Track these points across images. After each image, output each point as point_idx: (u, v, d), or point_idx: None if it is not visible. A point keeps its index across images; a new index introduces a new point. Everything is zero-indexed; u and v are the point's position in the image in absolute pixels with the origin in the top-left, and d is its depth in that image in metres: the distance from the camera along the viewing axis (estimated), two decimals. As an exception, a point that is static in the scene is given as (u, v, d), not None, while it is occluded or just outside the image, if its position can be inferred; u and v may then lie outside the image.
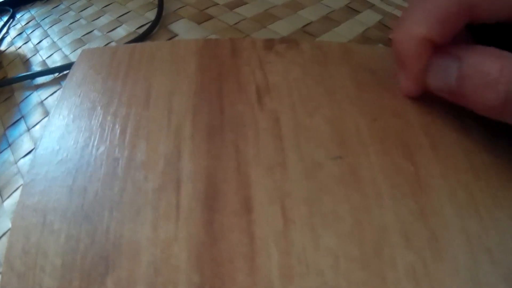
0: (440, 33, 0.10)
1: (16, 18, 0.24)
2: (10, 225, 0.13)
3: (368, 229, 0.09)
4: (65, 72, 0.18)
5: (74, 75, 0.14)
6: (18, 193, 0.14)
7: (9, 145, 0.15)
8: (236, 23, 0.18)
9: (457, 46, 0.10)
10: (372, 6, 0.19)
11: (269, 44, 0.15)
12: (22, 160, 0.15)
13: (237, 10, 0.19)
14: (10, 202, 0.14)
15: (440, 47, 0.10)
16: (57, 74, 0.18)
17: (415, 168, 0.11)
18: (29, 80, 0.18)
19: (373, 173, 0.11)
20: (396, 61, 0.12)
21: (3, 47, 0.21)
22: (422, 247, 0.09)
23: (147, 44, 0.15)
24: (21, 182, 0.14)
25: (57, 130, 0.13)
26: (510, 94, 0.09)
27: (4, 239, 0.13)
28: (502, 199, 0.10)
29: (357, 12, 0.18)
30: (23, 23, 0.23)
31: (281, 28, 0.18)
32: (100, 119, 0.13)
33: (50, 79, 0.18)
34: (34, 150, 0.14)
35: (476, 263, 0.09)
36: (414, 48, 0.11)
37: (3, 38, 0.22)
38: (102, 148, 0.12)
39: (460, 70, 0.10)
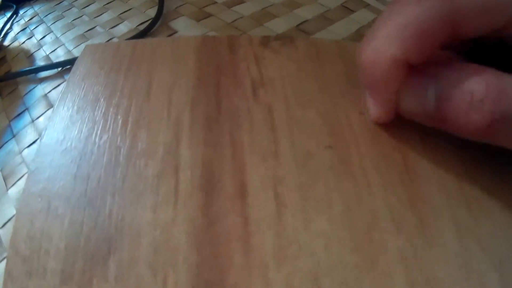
0: (417, 53, 0.09)
1: (19, 14, 0.25)
2: (14, 212, 0.13)
3: (358, 215, 0.10)
4: (68, 67, 0.18)
5: (78, 69, 0.15)
6: (22, 181, 0.14)
7: (14, 136, 0.16)
8: (233, 21, 0.19)
9: (433, 64, 0.09)
10: (367, 5, 0.19)
11: (265, 41, 0.15)
12: (26, 150, 0.15)
13: (235, 8, 0.20)
14: (15, 190, 0.14)
15: (415, 66, 0.09)
16: (60, 68, 0.18)
17: (403, 158, 0.11)
18: (33, 74, 0.18)
19: (362, 162, 0.11)
20: (363, 84, 0.10)
21: (6, 42, 0.22)
22: (411, 233, 0.09)
23: (148, 40, 0.16)
24: (25, 171, 0.14)
25: (61, 121, 0.13)
26: (497, 115, 0.08)
27: (9, 225, 0.13)
28: (492, 191, 0.10)
29: (352, 11, 0.19)
30: (26, 19, 0.24)
31: (277, 26, 0.19)
32: (103, 110, 0.13)
33: (53, 73, 0.18)
34: (39, 140, 0.14)
35: (467, 251, 0.09)
36: (385, 70, 0.09)
37: (6, 33, 0.23)
38: (105, 137, 0.12)
39: (439, 92, 0.09)
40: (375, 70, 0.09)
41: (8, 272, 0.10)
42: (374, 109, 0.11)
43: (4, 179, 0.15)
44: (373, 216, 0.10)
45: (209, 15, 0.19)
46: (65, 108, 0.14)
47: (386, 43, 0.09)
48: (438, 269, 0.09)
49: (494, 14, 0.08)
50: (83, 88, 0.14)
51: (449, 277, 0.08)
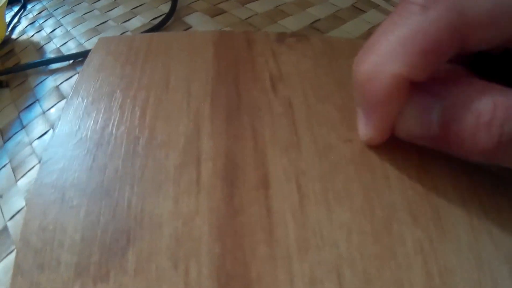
0: (421, 70, 0.08)
1: (27, 9, 0.24)
2: (23, 204, 0.13)
3: (378, 206, 0.10)
4: (80, 59, 0.18)
5: (92, 61, 0.15)
6: (32, 172, 0.14)
7: (24, 127, 0.16)
8: (247, 18, 0.19)
9: (437, 81, 0.08)
10: (376, 6, 0.20)
11: (281, 37, 0.15)
12: (36, 141, 0.15)
13: (249, 5, 0.20)
14: (24, 181, 0.14)
15: (416, 83, 0.08)
16: (72, 61, 0.18)
17: (419, 153, 0.11)
18: (43, 66, 0.18)
19: (380, 156, 0.11)
20: (359, 101, 0.09)
21: (14, 36, 0.22)
22: (428, 225, 0.09)
23: (164, 34, 0.16)
24: (35, 162, 0.14)
25: (76, 111, 0.13)
26: (504, 136, 0.07)
27: (18, 217, 0.13)
28: (503, 187, 0.10)
29: (363, 11, 0.19)
30: (34, 13, 0.24)
31: (291, 23, 0.19)
32: (120, 101, 0.13)
33: (65, 65, 0.18)
34: (52, 130, 0.14)
35: (479, 244, 0.09)
36: (385, 89, 0.08)
37: (14, 27, 0.22)
38: (122, 128, 0.12)
39: (444, 112, 0.08)
40: (373, 89, 0.08)
41: (18, 265, 0.09)
42: (366, 130, 0.10)
43: (13, 170, 0.14)
44: (392, 208, 0.10)
45: (223, 12, 0.20)
46: (80, 99, 0.13)
47: (386, 58, 0.08)
48: (453, 260, 0.09)
49: (506, 23, 0.07)
50: (98, 80, 0.14)
51: (463, 268, 0.09)
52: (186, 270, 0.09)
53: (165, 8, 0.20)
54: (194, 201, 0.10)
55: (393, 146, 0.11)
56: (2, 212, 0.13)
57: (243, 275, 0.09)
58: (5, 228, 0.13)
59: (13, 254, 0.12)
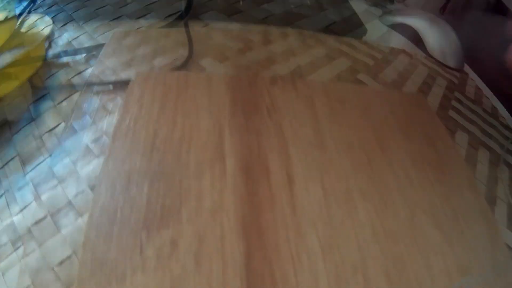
0: None
1: (36, 3, 0.24)
2: (32, 199, 0.12)
3: (400, 207, 0.10)
4: (93, 53, 0.18)
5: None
6: (43, 166, 0.13)
7: (33, 120, 0.15)
8: (264, 18, 0.19)
9: None
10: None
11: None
12: (47, 135, 0.14)
13: (264, 6, 0.20)
14: (33, 175, 0.13)
15: None
16: (84, 54, 0.18)
17: (437, 155, 0.11)
18: (55, 59, 0.18)
19: (401, 156, 0.11)
20: None
21: (24, 29, 0.21)
22: (447, 225, 0.10)
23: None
24: (46, 155, 0.14)
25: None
26: None
27: (26, 212, 0.12)
28: None
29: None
30: (44, 8, 0.23)
31: (308, 25, 0.19)
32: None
33: (77, 59, 0.18)
34: (64, 123, 0.14)
35: (493, 245, 0.09)
36: None
37: (23, 21, 0.22)
38: (141, 122, 0.12)
39: None
40: None
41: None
42: None
43: (21, 163, 0.14)
44: (413, 208, 0.10)
45: (239, 11, 0.20)
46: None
47: None
48: (470, 260, 0.09)
49: None
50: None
51: (478, 266, 0.09)
52: (209, 269, 0.09)
53: (180, 5, 0.20)
54: (218, 198, 0.10)
55: (413, 148, 0.11)
56: (8, 206, 0.12)
57: (269, 273, 0.08)
58: (12, 223, 0.12)
59: (19, 251, 0.11)
